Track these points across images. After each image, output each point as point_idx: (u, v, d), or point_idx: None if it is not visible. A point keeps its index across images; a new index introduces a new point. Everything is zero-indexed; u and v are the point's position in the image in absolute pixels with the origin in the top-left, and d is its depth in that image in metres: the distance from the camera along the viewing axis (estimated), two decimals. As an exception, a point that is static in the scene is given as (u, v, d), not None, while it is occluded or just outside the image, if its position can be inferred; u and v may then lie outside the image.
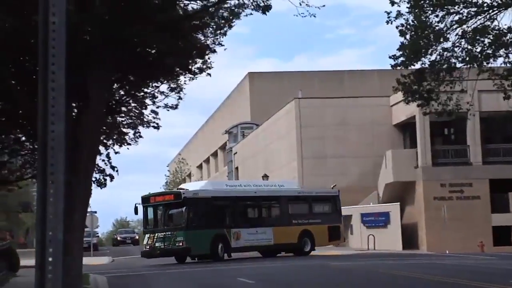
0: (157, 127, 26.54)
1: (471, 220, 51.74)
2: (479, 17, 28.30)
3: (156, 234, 40.65)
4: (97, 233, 75.27)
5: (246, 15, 19.12)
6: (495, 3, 27.88)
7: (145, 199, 42.50)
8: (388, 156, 56.03)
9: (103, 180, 26.70)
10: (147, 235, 41.77)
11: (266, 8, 18.70)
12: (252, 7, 18.80)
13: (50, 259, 4.58)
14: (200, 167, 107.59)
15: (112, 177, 26.87)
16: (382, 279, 26.74)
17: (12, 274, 30.94)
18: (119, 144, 26.82)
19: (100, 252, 61.17)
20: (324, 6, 20.48)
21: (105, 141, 25.31)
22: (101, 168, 26.16)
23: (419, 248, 53.04)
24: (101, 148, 25.24)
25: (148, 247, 41.04)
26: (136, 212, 44.25)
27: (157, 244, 40.36)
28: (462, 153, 54.49)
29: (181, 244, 39.45)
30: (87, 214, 23.25)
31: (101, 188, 27.04)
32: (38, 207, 4.71)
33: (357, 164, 59.16)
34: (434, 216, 52.36)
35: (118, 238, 79.10)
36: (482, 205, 52.93)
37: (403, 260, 37.82)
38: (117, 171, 26.67)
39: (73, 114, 16.95)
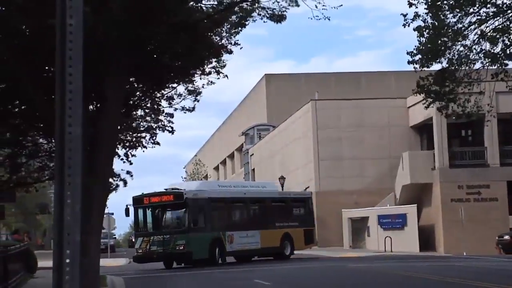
0: (172, 131, 26.65)
1: (488, 221, 51.51)
2: (497, 18, 28.19)
3: (152, 238, 38.09)
4: (114, 235, 75.68)
5: (262, 19, 19.09)
6: None
7: (138, 200, 39.36)
8: (405, 158, 55.87)
9: (114, 186, 26.85)
10: (140, 239, 39.05)
11: (279, 18, 18.67)
12: (267, 15, 18.79)
13: (67, 260, 4.60)
14: (216, 168, 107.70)
15: (125, 182, 27.03)
16: (398, 280, 26.65)
17: (30, 276, 31.06)
18: (135, 147, 26.96)
19: (117, 253, 61.44)
20: (341, 5, 20.45)
21: (122, 143, 25.46)
22: (116, 173, 26.36)
23: (436, 250, 52.87)
24: (119, 151, 25.44)
25: (141, 251, 38.51)
26: (127, 214, 40.58)
27: (153, 248, 37.72)
28: (480, 155, 54.25)
29: (182, 247, 37.02)
30: (104, 215, 23.28)
31: (114, 192, 27.22)
32: (55, 209, 4.73)
33: (374, 166, 59.04)
34: (451, 218, 52.13)
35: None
36: (499, 207, 52.71)
37: (421, 262, 37.66)
38: (131, 176, 26.81)
39: (90, 116, 16.99)
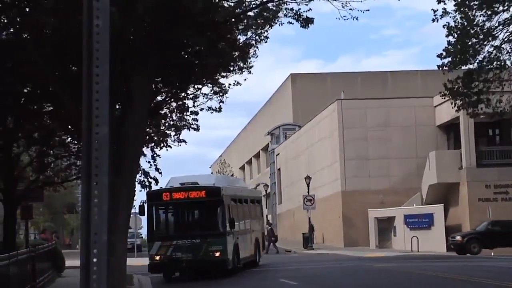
0: (197, 129, 26.76)
1: (516, 221, 51.10)
2: None
3: (176, 242, 30.05)
4: (141, 234, 75.69)
5: (289, 22, 19.03)
6: None
7: (155, 196, 30.58)
8: (431, 157, 55.63)
9: (147, 183, 27.09)
10: (158, 243, 30.47)
11: (307, 22, 18.58)
12: (296, 17, 18.71)
13: (94, 259, 4.62)
14: (242, 168, 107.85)
15: (157, 180, 27.22)
16: (423, 280, 26.54)
17: (58, 275, 31.26)
18: (161, 146, 27.12)
19: (143, 253, 61.43)
20: (368, 10, 20.38)
21: (148, 143, 25.60)
22: (146, 171, 26.55)
23: (463, 250, 52.45)
24: (145, 151, 25.60)
25: (160, 257, 30.23)
26: (142, 212, 32.77)
27: (177, 254, 29.78)
28: (507, 154, 53.89)
29: (218, 254, 29.86)
30: (131, 215, 23.36)
31: (145, 190, 27.46)
32: (82, 208, 4.76)
33: (400, 166, 58.81)
34: (479, 217, 51.75)
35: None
36: (527, 207, 52.29)
37: (449, 262, 37.46)
38: (160, 173, 26.98)
39: (117, 116, 17.08)
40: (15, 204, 29.26)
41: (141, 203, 31.76)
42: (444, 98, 32.35)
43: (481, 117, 33.36)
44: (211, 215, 31.50)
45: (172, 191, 30.73)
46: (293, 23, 18.92)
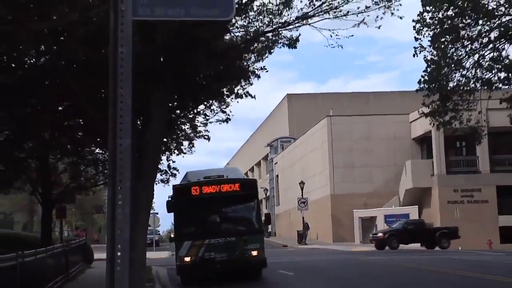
0: (208, 138, 26.70)
1: (480, 221, 51.09)
2: (490, 50, 28.49)
3: (208, 241, 23.17)
4: (159, 231, 75.78)
5: (280, 47, 19.03)
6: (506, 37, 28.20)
7: (182, 191, 23.82)
8: (407, 166, 55.65)
9: (166, 180, 27.24)
10: (187, 243, 23.26)
11: (294, 43, 18.55)
12: (285, 43, 18.72)
13: (118, 253, 4.60)
14: (245, 174, 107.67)
15: (175, 175, 27.26)
16: (400, 271, 26.43)
17: (87, 266, 31.21)
18: (176, 153, 27.13)
19: (161, 247, 61.46)
20: (352, 35, 20.39)
21: (165, 152, 25.61)
22: (165, 170, 26.74)
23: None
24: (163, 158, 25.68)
25: (190, 259, 23.08)
26: (170, 209, 24.64)
27: (210, 255, 22.94)
28: (472, 163, 53.89)
29: (256, 253, 23.21)
30: (150, 215, 23.29)
31: (167, 184, 27.48)
32: (108, 209, 4.73)
33: (381, 173, 58.78)
34: (448, 217, 51.79)
35: (172, 235, 79.67)
36: (490, 208, 52.27)
37: (424, 256, 37.35)
38: (177, 170, 27.06)
39: (138, 129, 17.06)
40: (51, 206, 29.23)
41: (169, 199, 24.29)
42: (425, 118, 32.65)
43: (450, 131, 33.43)
44: (246, 210, 24.71)
45: (202, 184, 23.66)
46: (284, 46, 18.94)
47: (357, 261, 33.46)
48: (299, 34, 18.35)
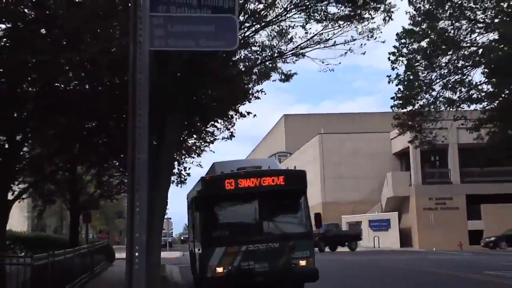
0: (213, 152, 26.59)
1: (452, 225, 50.98)
2: (455, 75, 29.12)
3: (246, 247, 16.10)
4: (172, 234, 75.47)
5: (274, 80, 19.23)
6: (469, 63, 28.74)
7: (214, 185, 16.44)
8: (389, 177, 55.64)
9: (180, 182, 26.84)
10: (219, 250, 16.10)
11: (288, 77, 18.79)
12: (281, 76, 18.98)
13: (136, 254, 4.59)
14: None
15: (189, 174, 26.68)
16: (379, 270, 26.32)
17: (110, 264, 31.13)
18: (186, 166, 27.01)
19: (173, 248, 61.26)
20: (340, 63, 20.50)
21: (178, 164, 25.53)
22: (178, 174, 26.45)
23: (412, 246, 52.31)
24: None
25: (223, 270, 15.95)
26: (200, 207, 16.99)
27: (248, 265, 15.98)
28: (445, 175, 53.88)
29: (304, 262, 16.16)
30: (164, 220, 23.20)
31: (184, 184, 26.87)
32: (128, 215, 4.72)
33: (366, 183, 58.72)
34: (424, 222, 51.71)
35: (182, 238, 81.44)
36: (460, 214, 52.16)
37: (403, 256, 37.21)
38: (189, 174, 26.59)
39: (154, 146, 17.05)
40: (78, 211, 29.19)
41: (197, 195, 17.45)
42: (395, 128, 32.92)
43: (425, 147, 33.55)
44: (293, 209, 17.36)
45: (239, 177, 16.20)
46: (281, 81, 19.18)
47: (342, 260, 33.26)
48: (295, 73, 18.66)
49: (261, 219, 16.42)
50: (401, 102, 28.91)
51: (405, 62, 28.58)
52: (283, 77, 18.82)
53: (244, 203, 16.64)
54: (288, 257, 15.87)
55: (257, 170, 16.72)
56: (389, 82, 28.76)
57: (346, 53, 17.98)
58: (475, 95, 28.67)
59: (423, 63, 28.71)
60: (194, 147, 26.04)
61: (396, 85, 28.76)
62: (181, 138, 21.22)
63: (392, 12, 17.42)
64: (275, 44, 18.17)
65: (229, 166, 17.31)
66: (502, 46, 26.75)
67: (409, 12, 28.56)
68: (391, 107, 29.34)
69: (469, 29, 28.06)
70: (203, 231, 16.57)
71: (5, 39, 12.32)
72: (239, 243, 15.94)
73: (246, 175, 16.31)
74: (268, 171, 16.70)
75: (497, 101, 28.71)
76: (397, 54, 28.57)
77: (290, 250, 15.91)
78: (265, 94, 20.83)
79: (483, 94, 28.61)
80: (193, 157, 26.87)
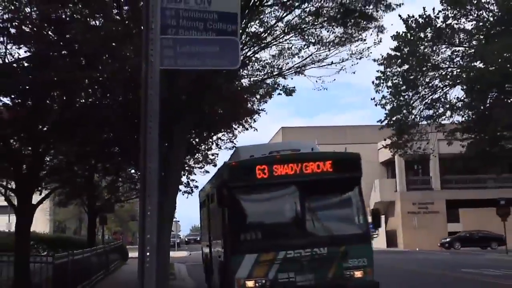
0: (215, 165, 26.54)
1: (433, 227, 50.94)
2: (435, 94, 30.09)
3: (285, 254, 10.42)
4: (180, 236, 75.35)
5: (278, 94, 19.33)
6: (447, 83, 29.64)
7: (241, 172, 10.78)
8: (376, 184, 55.64)
9: (187, 193, 26.76)
10: (251, 257, 10.40)
11: (290, 92, 18.90)
12: (283, 91, 19.06)
13: (147, 253, 4.58)
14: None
15: (196, 187, 26.64)
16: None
17: (123, 263, 31.04)
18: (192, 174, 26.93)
19: (181, 248, 61.13)
20: (334, 80, 20.63)
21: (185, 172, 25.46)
22: (187, 183, 26.35)
23: (397, 246, 52.23)
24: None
25: (255, 283, 10.32)
26: (223, 202, 10.80)
27: (291, 277, 10.31)
28: (427, 182, 53.93)
29: (360, 274, 10.69)
30: (173, 222, 23.17)
31: (191, 195, 26.75)
32: (139, 218, 4.71)
33: (355, 189, 58.68)
34: (408, 224, 51.66)
35: (186, 239, 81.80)
36: (440, 217, 52.15)
37: (391, 255, 37.11)
38: (196, 187, 26.54)
39: (163, 155, 17.05)
40: (95, 215, 29.17)
41: (219, 186, 11.61)
42: (387, 148, 33.46)
43: (409, 158, 33.94)
44: (344, 204, 11.88)
45: (274, 162, 11.05)
46: (281, 94, 19.26)
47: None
48: (295, 87, 18.74)
49: (304, 217, 11.14)
50: (390, 123, 29.86)
51: (390, 84, 29.35)
52: (287, 91, 18.93)
53: (281, 196, 11.31)
54: (340, 266, 10.82)
55: (297, 153, 11.83)
56: (376, 105, 29.69)
57: (339, 71, 18.10)
58: (448, 112, 29.51)
59: (404, 86, 29.59)
60: (200, 157, 26.00)
61: (382, 107, 29.63)
62: (189, 149, 21.22)
63: (382, 32, 17.46)
64: (275, 64, 18.28)
65: (258, 150, 12.25)
66: (479, 65, 27.16)
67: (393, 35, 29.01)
68: (380, 128, 30.53)
69: (449, 52, 28.74)
70: (228, 233, 11.18)
71: (30, 61, 12.43)
72: (275, 249, 10.71)
73: (283, 159, 11.12)
74: (312, 153, 12.01)
75: (473, 114, 29.08)
76: (381, 78, 29.42)
77: (342, 257, 10.85)
78: (266, 113, 20.97)
79: (460, 106, 29.29)
80: (201, 168, 26.78)
